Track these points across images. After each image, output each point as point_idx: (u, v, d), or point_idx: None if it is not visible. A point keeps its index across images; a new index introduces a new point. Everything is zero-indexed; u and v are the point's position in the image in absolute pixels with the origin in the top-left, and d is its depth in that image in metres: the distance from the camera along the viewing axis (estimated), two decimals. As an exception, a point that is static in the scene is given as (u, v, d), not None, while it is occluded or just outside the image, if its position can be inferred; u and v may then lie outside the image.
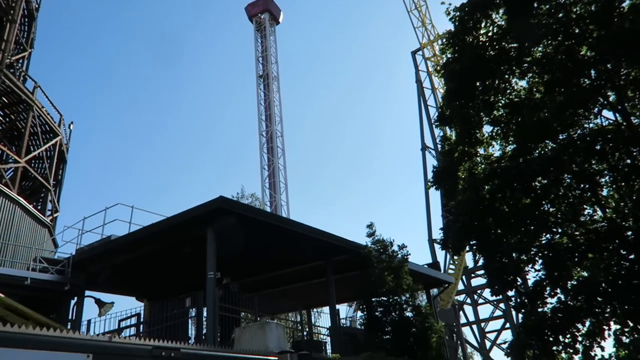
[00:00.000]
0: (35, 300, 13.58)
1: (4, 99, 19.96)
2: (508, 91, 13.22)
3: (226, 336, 12.78)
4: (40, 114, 21.14)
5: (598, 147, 11.25)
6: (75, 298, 15.04)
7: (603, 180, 12.42)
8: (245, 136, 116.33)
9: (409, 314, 14.07)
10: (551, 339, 11.59)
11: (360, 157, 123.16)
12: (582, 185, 12.15)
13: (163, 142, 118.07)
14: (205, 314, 12.51)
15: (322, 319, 29.84)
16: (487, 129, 14.12)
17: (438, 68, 14.88)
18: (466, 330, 35.01)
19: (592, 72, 11.89)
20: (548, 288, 11.97)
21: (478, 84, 13.01)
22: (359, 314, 17.56)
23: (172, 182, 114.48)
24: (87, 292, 15.50)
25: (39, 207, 20.85)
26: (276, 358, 3.86)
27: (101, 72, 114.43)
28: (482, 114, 13.54)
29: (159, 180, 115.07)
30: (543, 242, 12.66)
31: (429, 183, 15.58)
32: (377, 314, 14.21)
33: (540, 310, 12.20)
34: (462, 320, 34.19)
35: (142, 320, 15.33)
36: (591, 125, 12.50)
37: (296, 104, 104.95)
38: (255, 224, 13.36)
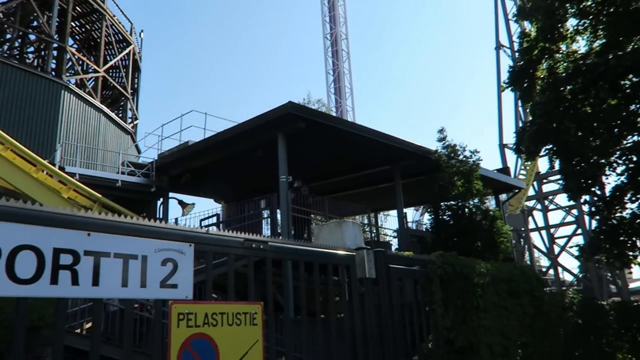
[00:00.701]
0: (125, 201, 14.90)
1: (78, 8, 20.51)
2: (602, -23, 11.81)
3: (298, 236, 13.55)
4: (113, 23, 21.63)
5: None
6: (161, 199, 16.34)
7: None
8: (311, 39, 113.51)
9: (477, 218, 14.13)
10: (628, 244, 11.31)
11: (428, 59, 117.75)
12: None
13: (230, 49, 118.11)
14: (278, 215, 13.23)
15: (388, 222, 30.59)
16: (572, 22, 12.92)
17: (521, -46, 13.46)
18: (534, 236, 34.75)
19: None
20: (629, 193, 11.47)
21: (566, -30, 11.72)
22: (426, 217, 17.86)
23: (241, 88, 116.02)
24: (171, 194, 16.75)
25: (120, 115, 22.07)
26: (353, 253, 4.10)
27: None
28: (567, 5, 12.31)
29: (229, 88, 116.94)
30: (628, 145, 11.91)
31: (504, 84, 14.67)
32: (444, 217, 14.39)
33: (617, 215, 11.82)
34: (531, 225, 33.82)
35: (220, 220, 16.48)
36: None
37: (361, 2, 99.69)
38: (324, 129, 13.51)
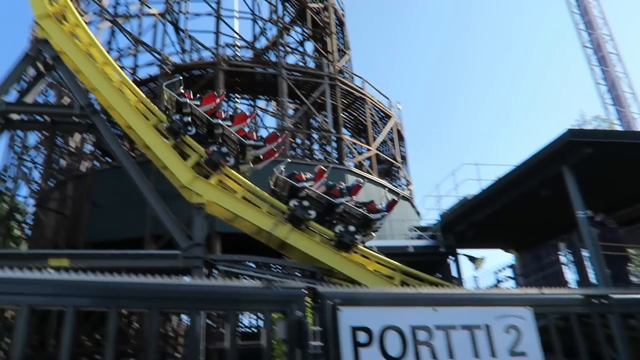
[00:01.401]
0: (418, 265, 15.54)
1: (343, 100, 23.57)
2: None
3: (616, 278, 11.65)
4: (374, 104, 24.04)
5: None
6: (452, 257, 16.53)
7: None
8: (562, 56, 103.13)
9: None
10: None
11: None
12: None
13: (478, 93, 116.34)
14: (585, 256, 11.77)
15: None
16: None
17: None
18: None
19: None
20: None
21: None
22: None
23: (505, 128, 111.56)
24: (459, 251, 16.79)
25: (395, 184, 23.74)
26: None
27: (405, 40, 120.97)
28: None
29: (491, 131, 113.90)
30: None
31: None
32: None
33: None
34: None
35: (516, 271, 15.55)
36: None
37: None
38: (616, 148, 11.82)
